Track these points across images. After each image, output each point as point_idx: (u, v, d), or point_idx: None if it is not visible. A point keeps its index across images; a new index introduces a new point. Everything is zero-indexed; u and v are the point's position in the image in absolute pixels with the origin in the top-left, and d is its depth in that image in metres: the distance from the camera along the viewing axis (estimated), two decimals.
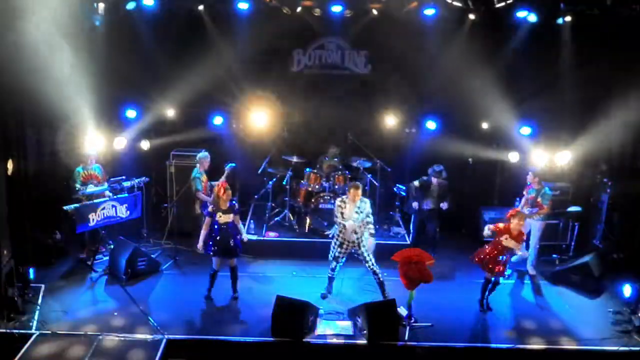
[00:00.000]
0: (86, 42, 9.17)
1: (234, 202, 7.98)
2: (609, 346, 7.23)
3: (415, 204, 9.62)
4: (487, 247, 7.97)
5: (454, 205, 9.71)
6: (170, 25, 10.30)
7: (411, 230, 10.07)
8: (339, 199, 8.11)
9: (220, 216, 7.81)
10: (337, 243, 8.08)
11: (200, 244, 7.89)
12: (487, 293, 8.05)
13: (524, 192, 9.24)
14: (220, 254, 7.91)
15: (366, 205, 7.99)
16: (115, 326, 7.34)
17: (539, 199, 8.93)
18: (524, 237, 8.08)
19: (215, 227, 7.83)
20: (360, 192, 7.95)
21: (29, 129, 8.85)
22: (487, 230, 7.94)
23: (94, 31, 9.62)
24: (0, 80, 7.65)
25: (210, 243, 7.88)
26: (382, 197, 10.47)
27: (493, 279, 7.92)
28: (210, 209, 7.92)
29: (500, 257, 7.81)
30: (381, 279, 8.05)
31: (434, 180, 9.49)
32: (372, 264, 7.98)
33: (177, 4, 10.21)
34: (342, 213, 7.95)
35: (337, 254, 8.10)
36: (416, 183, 9.60)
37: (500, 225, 7.93)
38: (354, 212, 7.92)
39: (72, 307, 7.80)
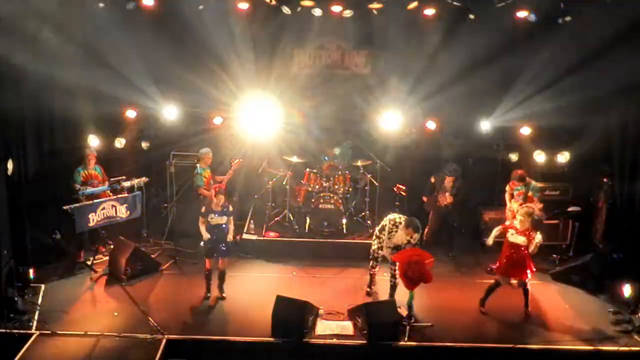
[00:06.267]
0: (86, 42, 9.17)
1: (227, 207, 7.98)
2: (609, 346, 7.23)
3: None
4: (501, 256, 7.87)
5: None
6: (170, 25, 10.29)
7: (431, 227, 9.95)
8: (391, 220, 7.97)
9: (212, 218, 7.85)
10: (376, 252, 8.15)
11: (205, 236, 7.90)
12: (488, 295, 7.93)
13: (508, 189, 9.35)
14: (210, 254, 7.95)
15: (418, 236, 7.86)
16: (115, 326, 7.34)
17: (529, 193, 8.99)
18: (532, 234, 7.61)
19: (209, 227, 7.87)
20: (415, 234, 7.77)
21: (29, 129, 8.84)
22: (492, 238, 7.92)
23: (94, 30, 9.60)
24: (0, 80, 7.66)
25: (203, 243, 7.93)
26: (382, 197, 10.44)
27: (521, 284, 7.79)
28: (202, 209, 7.94)
29: (517, 260, 7.62)
30: (396, 283, 7.96)
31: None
32: (396, 269, 7.88)
33: (177, 3, 10.20)
34: (390, 232, 7.89)
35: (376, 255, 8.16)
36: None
37: (507, 222, 7.94)
38: (405, 240, 7.78)
39: (72, 307, 7.80)
